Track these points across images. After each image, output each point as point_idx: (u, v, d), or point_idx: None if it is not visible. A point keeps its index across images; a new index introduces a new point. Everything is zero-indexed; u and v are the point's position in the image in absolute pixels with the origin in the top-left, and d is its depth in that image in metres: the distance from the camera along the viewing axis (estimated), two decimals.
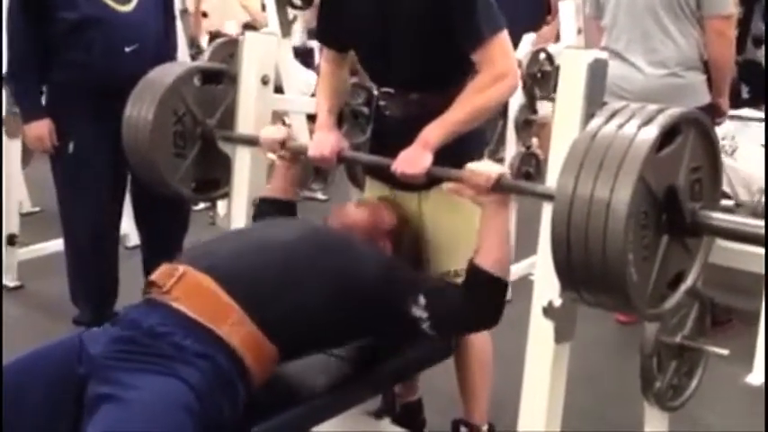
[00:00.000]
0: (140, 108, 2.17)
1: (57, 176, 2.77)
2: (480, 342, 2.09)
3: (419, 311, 1.67)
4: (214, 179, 2.34)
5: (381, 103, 2.02)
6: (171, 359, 1.51)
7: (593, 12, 3.02)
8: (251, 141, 2.23)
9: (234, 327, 1.57)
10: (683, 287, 1.44)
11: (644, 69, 2.79)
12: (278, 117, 4.46)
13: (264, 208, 2.09)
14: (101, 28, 2.53)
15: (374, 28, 1.92)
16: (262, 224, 1.97)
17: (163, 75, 2.24)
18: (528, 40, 3.75)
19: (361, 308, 1.69)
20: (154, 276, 1.68)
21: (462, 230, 1.92)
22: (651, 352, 1.89)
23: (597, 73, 1.70)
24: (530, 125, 3.35)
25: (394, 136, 1.96)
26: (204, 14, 5.47)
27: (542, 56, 3.37)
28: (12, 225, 3.54)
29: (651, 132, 1.29)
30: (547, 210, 1.66)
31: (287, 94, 4.12)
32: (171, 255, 2.66)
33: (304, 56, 5.57)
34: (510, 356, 1.88)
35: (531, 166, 3.33)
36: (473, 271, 1.70)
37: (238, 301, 1.59)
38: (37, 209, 4.35)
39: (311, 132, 4.48)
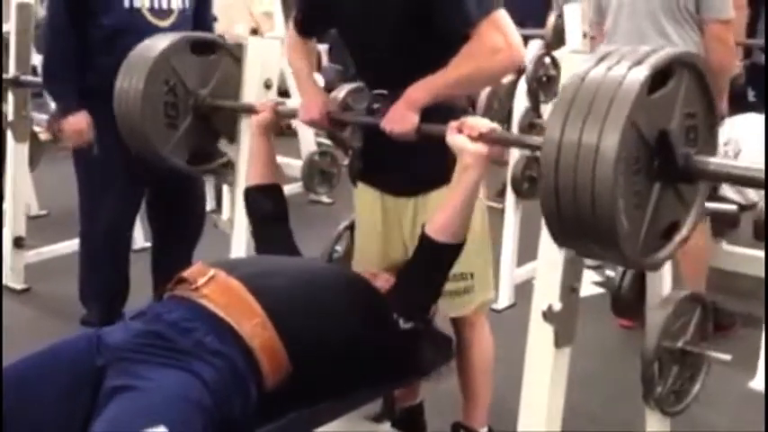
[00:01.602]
0: (131, 79, 2.14)
1: (80, 177, 2.82)
2: (482, 345, 2.09)
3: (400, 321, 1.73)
4: (208, 151, 2.32)
5: (375, 105, 1.99)
6: (189, 355, 1.53)
7: (595, 16, 3.03)
8: (244, 110, 2.19)
9: (256, 329, 1.59)
10: (678, 237, 1.39)
11: None
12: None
13: (255, 197, 2.08)
14: (137, 39, 2.53)
15: (361, 28, 1.90)
16: (293, 258, 2.00)
17: (153, 45, 2.20)
18: (535, 44, 3.76)
19: (369, 344, 1.73)
20: (186, 273, 1.71)
21: None
22: (652, 357, 1.88)
23: None
24: (534, 129, 3.35)
25: (387, 141, 1.93)
26: (214, 18, 5.48)
27: (547, 60, 3.37)
28: (19, 228, 3.55)
29: (641, 73, 1.23)
30: None
31: (293, 99, 4.14)
32: (182, 259, 2.71)
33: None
34: (511, 360, 1.89)
35: (534, 171, 3.33)
36: (424, 242, 1.72)
37: (265, 308, 1.62)
38: (44, 212, 4.37)
39: (316, 136, 4.52)
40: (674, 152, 1.30)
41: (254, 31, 4.68)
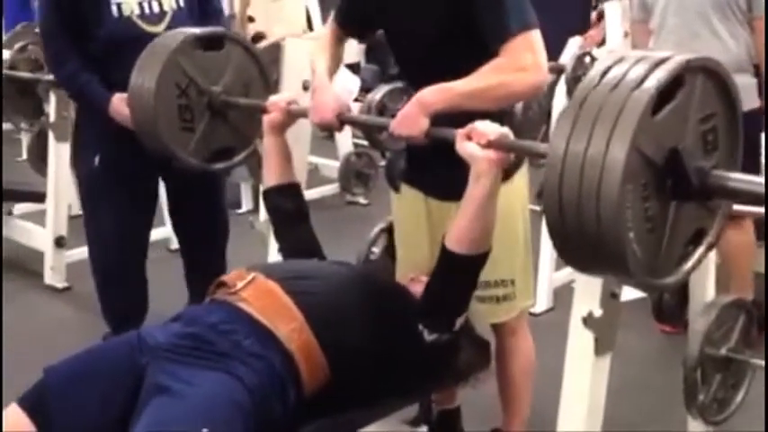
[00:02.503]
0: (142, 82, 2.10)
1: (81, 190, 2.72)
2: (523, 352, 2.07)
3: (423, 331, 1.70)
4: (228, 147, 2.26)
5: None
6: (228, 357, 1.55)
7: (640, 15, 2.97)
8: (255, 109, 2.13)
9: (294, 332, 1.61)
10: (706, 243, 1.31)
11: None
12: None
13: (275, 198, 2.04)
14: (130, 48, 2.37)
15: (404, 27, 1.88)
16: (327, 261, 1.98)
17: (159, 48, 2.14)
18: (574, 43, 3.71)
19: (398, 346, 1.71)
20: (225, 278, 1.73)
21: (502, 240, 1.89)
22: (695, 365, 1.84)
23: None
24: None
25: (430, 144, 1.93)
26: (251, 19, 5.51)
27: (587, 59, 3.32)
28: (60, 227, 3.60)
29: (644, 95, 1.15)
30: None
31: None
32: (214, 260, 2.70)
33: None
34: (548, 364, 1.86)
35: None
36: (443, 254, 1.67)
37: (303, 311, 1.63)
38: None
39: (353, 137, 4.53)
40: (687, 171, 1.21)
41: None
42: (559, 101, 3.27)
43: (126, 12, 2.44)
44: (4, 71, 3.99)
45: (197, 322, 1.63)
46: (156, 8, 2.47)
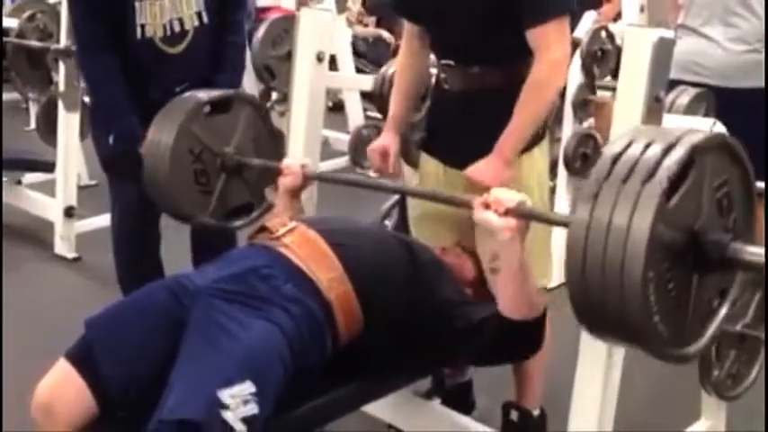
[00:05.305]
0: (156, 151, 2.06)
1: (101, 166, 2.72)
2: None
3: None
4: (247, 204, 2.22)
5: (441, 75, 1.97)
6: (268, 302, 1.56)
7: None
8: (272, 170, 2.07)
9: (334, 282, 1.62)
10: (729, 299, 1.31)
11: (723, 44, 2.70)
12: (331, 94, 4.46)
13: None
14: (153, 69, 2.42)
15: (447, 6, 1.88)
16: (365, 222, 2.00)
17: (171, 118, 2.11)
18: (589, 17, 3.67)
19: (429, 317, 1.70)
20: (267, 223, 1.75)
21: None
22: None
23: (662, 52, 1.65)
24: (588, 105, 3.28)
25: (451, 110, 1.92)
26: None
27: (603, 34, 3.28)
28: (70, 197, 3.60)
29: (656, 188, 1.14)
30: None
31: (341, 72, 4.12)
32: (222, 233, 2.68)
33: None
34: (565, 340, 1.86)
35: (588, 148, 3.27)
36: (500, 319, 1.62)
37: (343, 263, 1.65)
38: (94, 182, 4.39)
39: (365, 110, 4.51)
40: (706, 248, 1.21)
41: (302, 2, 4.65)
42: (574, 76, 3.23)
43: (149, 33, 2.39)
44: (13, 39, 3.99)
45: (237, 265, 1.64)
46: (177, 28, 2.42)
